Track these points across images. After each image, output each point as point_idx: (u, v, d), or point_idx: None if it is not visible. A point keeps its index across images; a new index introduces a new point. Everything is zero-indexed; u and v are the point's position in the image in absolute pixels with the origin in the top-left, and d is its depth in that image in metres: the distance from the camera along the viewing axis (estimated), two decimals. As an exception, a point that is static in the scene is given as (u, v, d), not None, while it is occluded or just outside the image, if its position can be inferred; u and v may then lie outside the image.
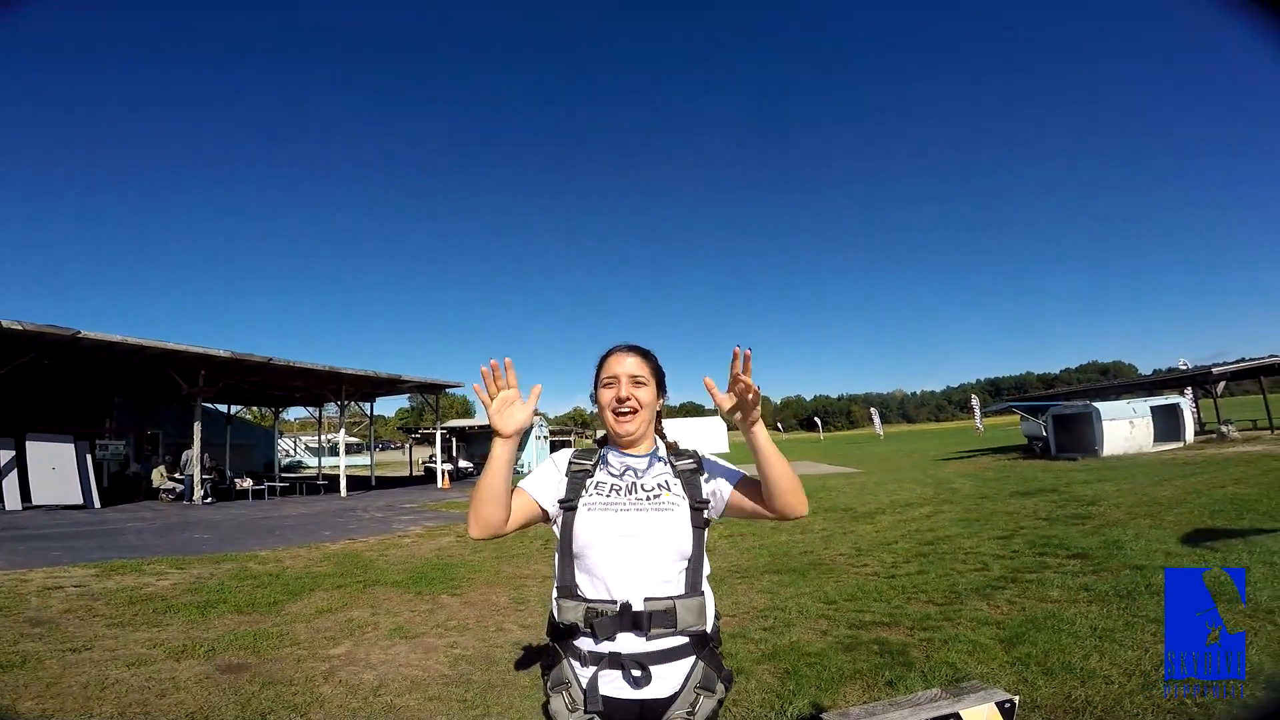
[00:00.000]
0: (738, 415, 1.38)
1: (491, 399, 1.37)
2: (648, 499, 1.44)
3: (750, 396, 1.34)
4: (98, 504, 15.58)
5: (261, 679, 3.81)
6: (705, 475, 1.51)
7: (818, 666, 3.66)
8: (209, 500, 17.17)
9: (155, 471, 18.83)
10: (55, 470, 15.21)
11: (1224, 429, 21.84)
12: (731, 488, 1.50)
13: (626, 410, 1.49)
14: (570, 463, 1.52)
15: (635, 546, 1.38)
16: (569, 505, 1.44)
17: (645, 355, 1.57)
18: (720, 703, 1.40)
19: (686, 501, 1.45)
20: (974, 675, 3.23)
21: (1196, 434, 22.38)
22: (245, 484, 18.98)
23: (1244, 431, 22.80)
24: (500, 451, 1.38)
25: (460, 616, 5.23)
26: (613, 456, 1.53)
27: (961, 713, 1.07)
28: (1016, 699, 1.10)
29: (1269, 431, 22.48)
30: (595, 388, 1.58)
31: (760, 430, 1.37)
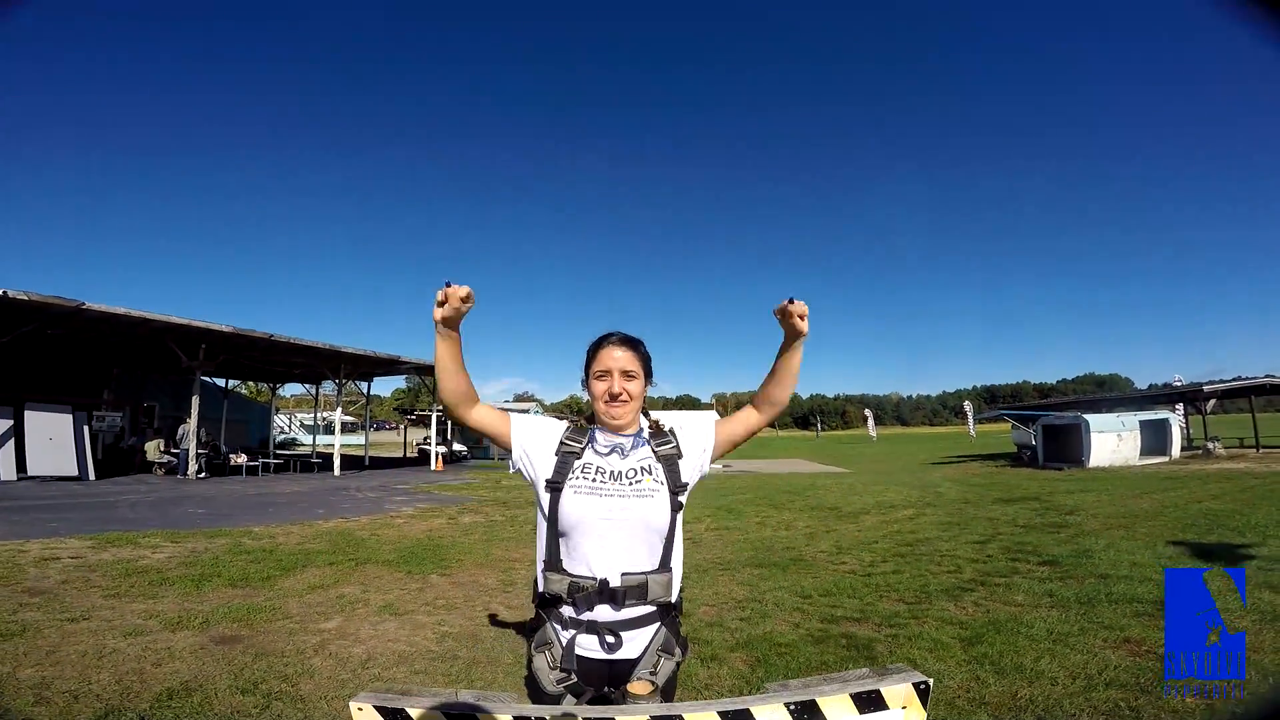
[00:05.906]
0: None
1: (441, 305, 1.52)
2: (630, 484, 1.57)
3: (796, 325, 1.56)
4: (92, 476, 15.71)
5: (254, 650, 3.96)
6: (684, 458, 1.65)
7: (787, 656, 3.85)
8: (203, 475, 17.30)
9: (150, 445, 18.90)
10: (52, 440, 15.30)
11: (1210, 445, 22.10)
12: (713, 438, 1.69)
13: (619, 402, 1.63)
14: (562, 442, 1.63)
15: (616, 529, 1.52)
16: (556, 486, 1.56)
17: (635, 348, 1.69)
18: (678, 665, 1.57)
19: (665, 487, 1.59)
20: (932, 671, 3.40)
21: (1183, 449, 22.65)
22: (240, 459, 19.09)
23: (1230, 449, 23.06)
24: (436, 342, 1.54)
25: (449, 596, 5.40)
26: (601, 435, 1.65)
27: (882, 689, 1.21)
28: (931, 681, 1.25)
29: (1254, 450, 22.74)
30: (586, 374, 1.70)
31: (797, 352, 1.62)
